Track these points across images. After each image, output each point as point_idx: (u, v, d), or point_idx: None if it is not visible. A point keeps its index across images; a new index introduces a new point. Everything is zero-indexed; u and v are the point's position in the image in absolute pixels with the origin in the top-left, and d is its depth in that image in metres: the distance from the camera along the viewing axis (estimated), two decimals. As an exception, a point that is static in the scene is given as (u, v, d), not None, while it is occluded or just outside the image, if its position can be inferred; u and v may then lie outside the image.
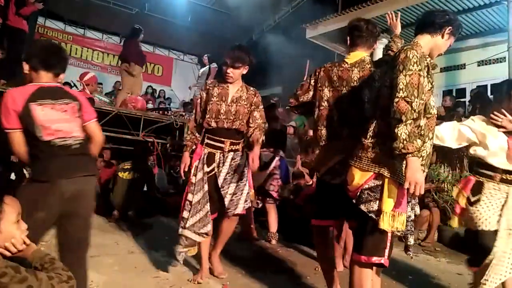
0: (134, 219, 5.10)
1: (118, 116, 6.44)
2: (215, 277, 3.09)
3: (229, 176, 2.97)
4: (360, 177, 2.04)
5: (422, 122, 1.97)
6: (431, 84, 2.04)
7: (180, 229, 2.93)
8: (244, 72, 3.06)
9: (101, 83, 9.96)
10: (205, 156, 2.99)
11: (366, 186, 2.02)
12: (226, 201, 2.94)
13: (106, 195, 5.44)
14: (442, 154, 5.44)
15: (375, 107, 2.11)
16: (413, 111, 1.86)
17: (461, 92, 8.91)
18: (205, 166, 2.96)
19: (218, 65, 15.86)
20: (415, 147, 1.84)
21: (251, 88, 3.16)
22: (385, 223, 1.94)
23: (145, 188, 5.55)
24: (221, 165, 2.98)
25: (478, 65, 8.58)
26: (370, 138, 2.04)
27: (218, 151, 2.99)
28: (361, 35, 2.62)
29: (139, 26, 7.79)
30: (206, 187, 2.92)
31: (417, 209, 2.23)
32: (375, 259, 2.00)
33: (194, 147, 3.08)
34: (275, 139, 4.48)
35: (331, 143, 2.53)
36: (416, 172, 1.84)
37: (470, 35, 8.74)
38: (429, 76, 2.01)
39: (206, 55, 9.70)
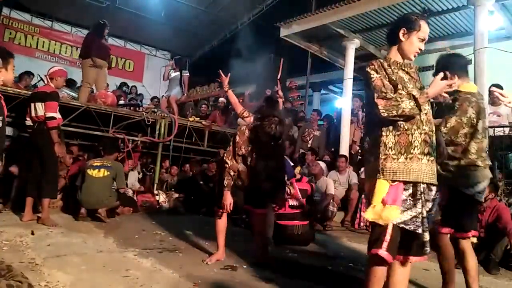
0: (103, 218, 4.99)
1: (87, 111, 6.28)
2: (186, 276, 3.05)
3: None
4: (369, 185, 2.28)
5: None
6: (405, 80, 2.25)
7: None
8: None
9: (75, 81, 9.61)
10: None
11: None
12: None
13: (74, 192, 5.30)
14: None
15: (367, 129, 2.36)
16: (388, 99, 2.14)
17: (429, 93, 9.15)
18: None
19: (192, 62, 15.77)
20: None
21: None
22: (368, 214, 2.15)
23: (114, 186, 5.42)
24: None
25: (446, 67, 8.84)
26: (368, 153, 2.37)
27: None
28: None
29: (105, 21, 7.42)
30: None
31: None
32: (373, 251, 2.13)
33: None
34: None
35: None
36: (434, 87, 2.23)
37: (438, 38, 9.00)
38: (397, 73, 2.26)
39: (174, 58, 9.50)
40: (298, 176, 5.07)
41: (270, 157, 3.58)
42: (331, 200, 6.03)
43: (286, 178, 4.51)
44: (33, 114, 4.63)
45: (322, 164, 6.41)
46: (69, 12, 13.16)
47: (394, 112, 2.12)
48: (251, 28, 12.58)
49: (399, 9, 7.86)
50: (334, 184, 6.35)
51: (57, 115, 4.69)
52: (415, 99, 2.13)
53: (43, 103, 4.58)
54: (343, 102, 9.06)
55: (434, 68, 2.95)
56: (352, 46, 9.19)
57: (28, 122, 4.73)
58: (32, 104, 4.64)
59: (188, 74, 8.69)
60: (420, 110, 2.16)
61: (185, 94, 8.98)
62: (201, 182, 7.08)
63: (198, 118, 8.26)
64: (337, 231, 5.92)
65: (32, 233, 3.95)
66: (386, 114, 2.13)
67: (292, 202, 4.63)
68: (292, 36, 9.94)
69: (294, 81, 11.59)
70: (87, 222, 4.92)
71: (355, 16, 8.37)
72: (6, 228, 4.06)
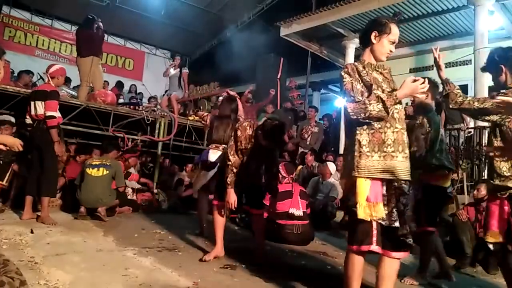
0: (102, 216, 4.98)
1: (87, 110, 6.27)
2: (185, 275, 3.05)
3: None
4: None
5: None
6: (379, 80, 2.35)
7: None
8: None
9: (70, 78, 9.59)
10: None
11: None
12: None
13: (73, 191, 5.29)
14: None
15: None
16: (357, 102, 2.23)
17: (429, 92, 9.14)
18: None
19: (192, 61, 15.73)
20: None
21: None
22: (361, 213, 2.21)
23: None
24: None
25: (446, 67, 8.80)
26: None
27: None
28: None
29: (93, 16, 7.32)
30: None
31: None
32: (364, 247, 2.23)
33: None
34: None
35: None
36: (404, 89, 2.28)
37: (438, 38, 9.02)
38: (371, 74, 2.35)
39: (178, 56, 9.49)
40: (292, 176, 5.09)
41: (266, 157, 3.59)
42: (331, 201, 6.02)
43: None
44: (33, 112, 4.62)
45: (332, 166, 6.39)
46: (69, 10, 13.14)
47: (362, 115, 2.22)
48: (251, 27, 12.57)
49: (399, 9, 7.85)
50: (333, 183, 6.34)
51: (57, 114, 4.68)
52: (382, 101, 2.20)
53: (43, 102, 4.57)
54: (343, 102, 9.05)
55: (487, 62, 2.81)
56: (352, 46, 9.20)
57: (28, 120, 4.72)
58: (32, 103, 4.63)
59: (187, 71, 8.70)
60: (388, 113, 2.22)
61: (186, 92, 8.98)
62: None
63: (198, 117, 8.25)
64: (336, 231, 5.91)
65: (32, 232, 3.94)
66: (355, 117, 2.24)
67: (293, 210, 4.61)
68: (292, 36, 9.95)
69: (294, 80, 11.60)
70: (86, 221, 4.91)
71: (355, 15, 8.39)
72: (6, 227, 4.05)
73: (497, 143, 2.64)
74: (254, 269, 3.35)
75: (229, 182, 3.45)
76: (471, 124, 6.50)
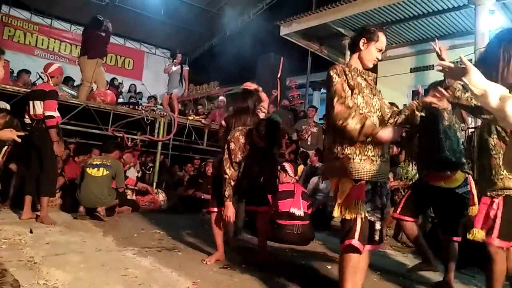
0: (102, 216, 4.98)
1: (86, 109, 6.26)
2: (185, 275, 3.04)
3: None
4: (331, 182, 2.47)
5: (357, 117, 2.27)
6: (362, 85, 2.39)
7: None
8: None
9: (72, 78, 9.57)
10: None
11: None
12: None
13: (73, 191, 5.29)
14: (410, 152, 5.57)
15: (326, 127, 2.62)
16: (348, 108, 2.27)
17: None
18: None
19: (192, 60, 15.72)
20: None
21: None
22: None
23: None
24: None
25: (446, 66, 8.84)
26: (327, 152, 2.50)
27: None
28: None
29: (103, 18, 7.29)
30: None
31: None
32: (346, 242, 2.29)
33: None
34: None
35: None
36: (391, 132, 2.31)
37: (439, 37, 8.98)
38: (356, 79, 2.39)
39: (179, 53, 9.47)
40: (297, 177, 5.06)
41: (265, 157, 3.56)
42: (331, 201, 6.01)
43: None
44: (31, 112, 4.60)
45: None
46: (69, 10, 13.16)
47: (341, 122, 2.26)
48: (251, 27, 12.55)
49: (399, 8, 7.86)
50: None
51: (56, 114, 4.66)
52: (362, 126, 2.21)
53: (42, 102, 4.55)
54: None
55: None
56: (352, 45, 9.18)
57: (27, 120, 4.70)
58: (31, 102, 4.61)
59: (188, 68, 8.69)
60: (359, 139, 2.26)
61: (187, 90, 8.97)
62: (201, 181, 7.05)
63: (198, 117, 8.25)
64: (336, 230, 5.91)
65: (31, 232, 3.94)
66: (334, 120, 2.29)
67: (294, 210, 4.59)
68: (292, 35, 9.96)
69: (294, 80, 11.57)
70: (86, 220, 4.90)
71: (355, 15, 8.39)
72: (5, 226, 4.05)
73: (494, 140, 2.63)
74: (254, 269, 3.34)
75: (227, 196, 3.38)
76: (472, 124, 6.49)
